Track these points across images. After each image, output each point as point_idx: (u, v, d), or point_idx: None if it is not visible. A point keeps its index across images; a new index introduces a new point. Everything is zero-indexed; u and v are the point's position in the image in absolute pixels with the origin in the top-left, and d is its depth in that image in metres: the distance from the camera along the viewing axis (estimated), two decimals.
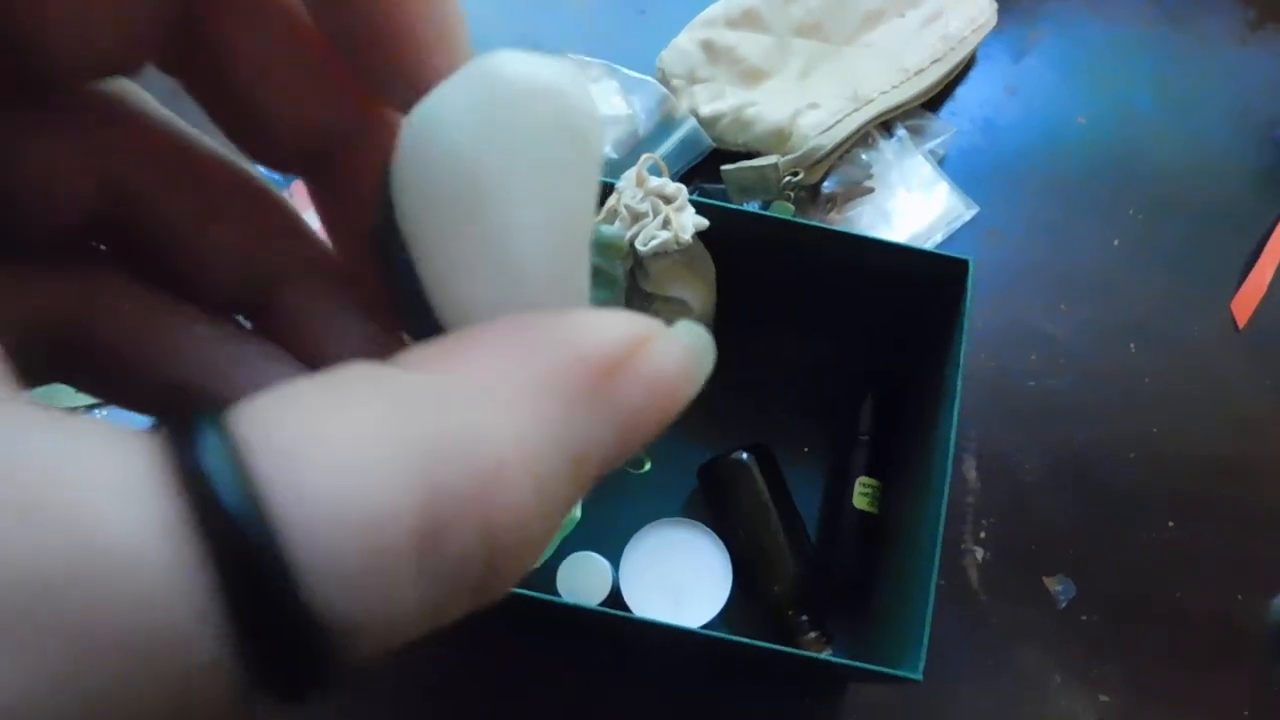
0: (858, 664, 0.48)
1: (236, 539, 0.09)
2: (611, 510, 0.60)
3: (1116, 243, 0.76)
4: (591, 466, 0.12)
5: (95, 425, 0.09)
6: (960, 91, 0.79)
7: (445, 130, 0.12)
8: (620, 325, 0.13)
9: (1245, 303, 0.74)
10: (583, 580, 0.58)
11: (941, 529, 0.49)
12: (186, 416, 0.10)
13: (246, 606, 0.09)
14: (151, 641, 0.09)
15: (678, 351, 0.13)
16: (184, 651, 0.09)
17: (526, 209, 0.12)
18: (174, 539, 0.09)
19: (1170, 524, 0.68)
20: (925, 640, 0.47)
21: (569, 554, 0.58)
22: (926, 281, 0.58)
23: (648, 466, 0.58)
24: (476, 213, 0.12)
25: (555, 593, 0.58)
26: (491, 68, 0.12)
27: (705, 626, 0.58)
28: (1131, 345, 0.73)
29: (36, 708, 0.08)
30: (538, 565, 0.57)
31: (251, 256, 0.16)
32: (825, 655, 0.55)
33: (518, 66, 0.12)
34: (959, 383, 0.53)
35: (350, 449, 0.10)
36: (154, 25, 0.13)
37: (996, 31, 0.79)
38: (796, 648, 0.58)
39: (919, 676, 0.46)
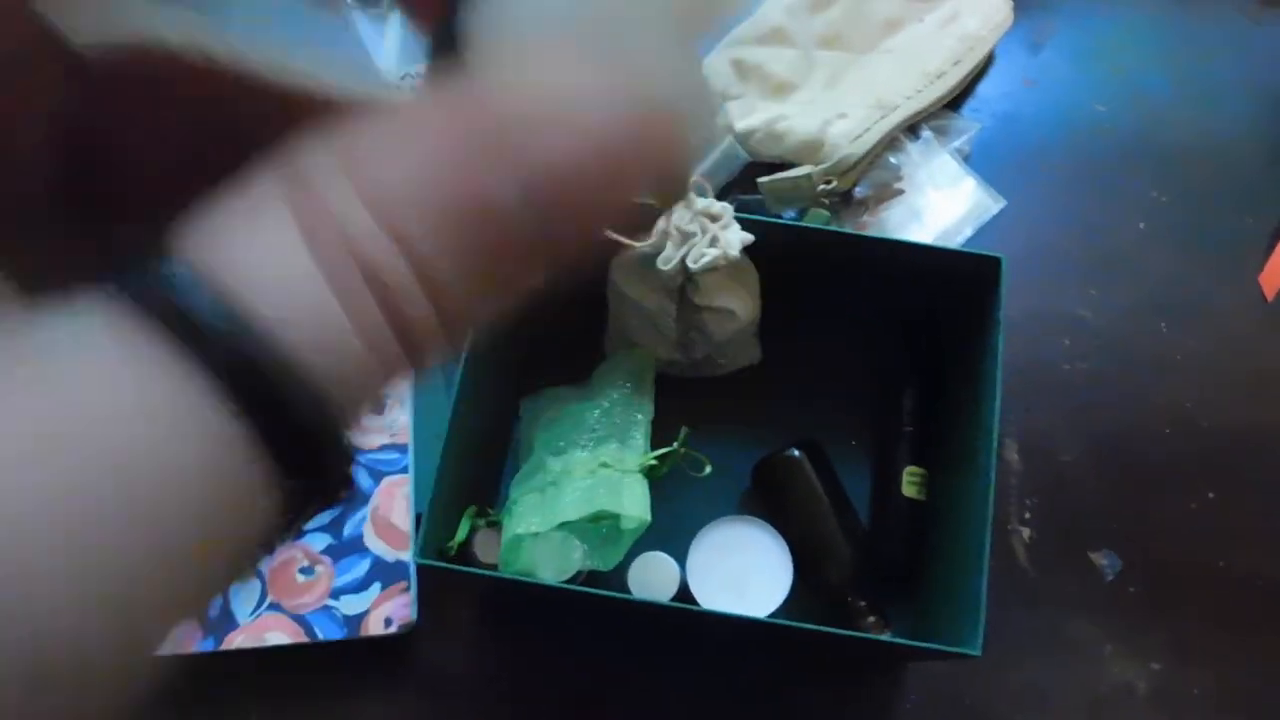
0: (918, 643, 0.52)
1: (231, 353, 0.11)
2: (675, 511, 0.63)
3: (1142, 225, 0.78)
4: (492, 222, 0.12)
5: (95, 306, 0.12)
6: (981, 88, 0.81)
7: None
8: (551, 77, 0.12)
9: (1273, 275, 0.76)
10: (653, 579, 0.61)
11: (991, 509, 0.52)
12: (153, 264, 0.11)
13: (249, 401, 0.11)
14: (172, 448, 0.11)
15: (639, 110, 0.12)
16: (203, 448, 0.11)
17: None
18: (176, 372, 0.11)
19: (1210, 494, 0.71)
20: (982, 616, 0.50)
21: (638, 555, 0.62)
22: (961, 278, 0.61)
23: (708, 469, 0.62)
24: None
25: (627, 593, 0.61)
26: None
27: (770, 617, 0.61)
28: (1162, 324, 0.75)
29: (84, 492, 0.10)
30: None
31: None
32: (886, 636, 0.58)
33: None
34: (999, 373, 0.56)
35: (274, 253, 0.12)
36: None
37: (1012, 27, 0.81)
38: (858, 631, 0.61)
39: (978, 651, 0.50)
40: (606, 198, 0.13)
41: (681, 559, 0.62)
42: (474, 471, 0.62)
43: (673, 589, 0.61)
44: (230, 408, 0.11)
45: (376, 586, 0.62)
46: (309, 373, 0.11)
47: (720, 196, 0.60)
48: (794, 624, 0.52)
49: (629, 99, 0.13)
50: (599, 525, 0.57)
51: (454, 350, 0.13)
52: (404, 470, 0.65)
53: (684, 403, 0.65)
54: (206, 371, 0.11)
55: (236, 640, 0.61)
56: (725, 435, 0.66)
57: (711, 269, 0.55)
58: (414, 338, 0.12)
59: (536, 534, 0.55)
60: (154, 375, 0.11)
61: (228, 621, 0.61)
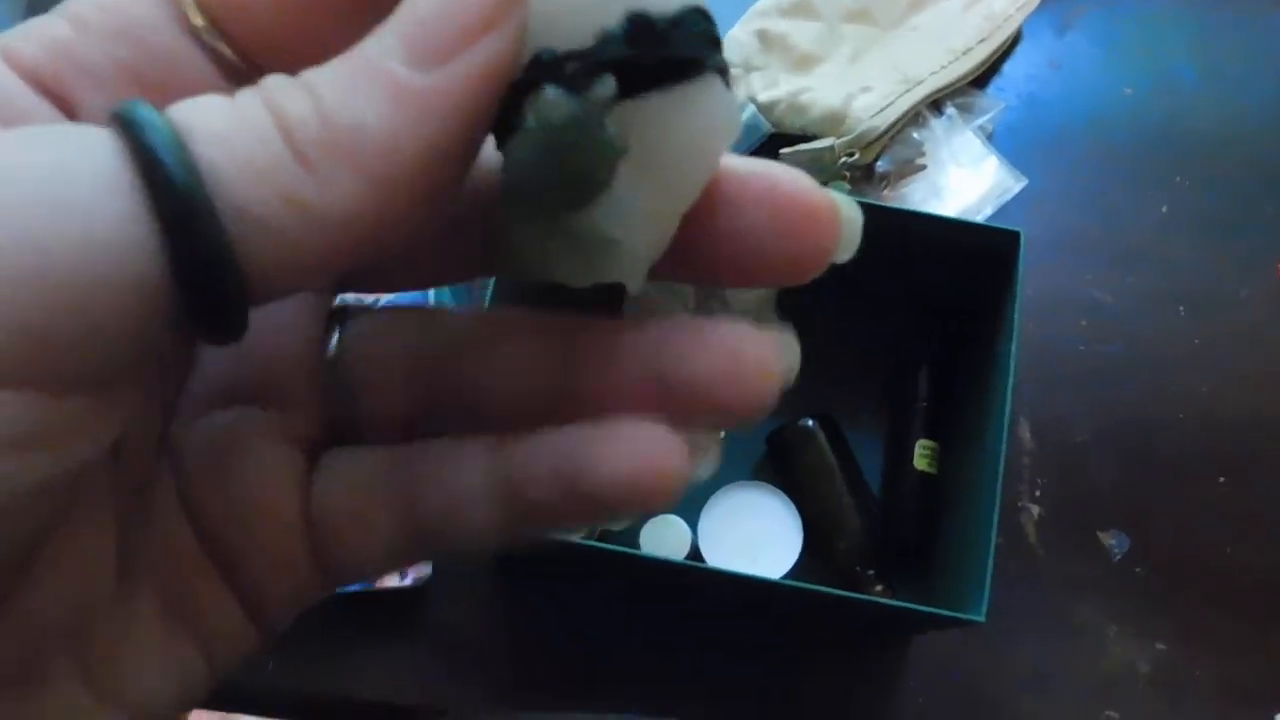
0: (925, 608, 0.52)
1: (175, 190, 0.12)
2: None
3: (1164, 210, 0.78)
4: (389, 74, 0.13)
5: (67, 127, 0.13)
6: (1006, 68, 0.81)
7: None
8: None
9: None
10: (664, 541, 0.62)
11: (1000, 484, 0.53)
12: (135, 114, 0.13)
13: (178, 227, 0.12)
14: (98, 261, 0.12)
15: None
16: (123, 264, 0.12)
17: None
18: (126, 194, 0.12)
19: (1221, 480, 0.71)
20: (988, 584, 0.50)
21: (650, 517, 0.63)
22: (979, 254, 0.61)
23: (722, 435, 0.62)
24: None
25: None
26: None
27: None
28: (1180, 309, 0.75)
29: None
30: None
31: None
32: (892, 601, 0.59)
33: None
34: (1014, 351, 0.56)
35: (235, 124, 0.13)
36: None
37: (1039, 7, 0.81)
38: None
39: (982, 617, 0.50)
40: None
41: (693, 523, 0.63)
42: None
43: (684, 552, 0.62)
44: (127, 163, 0.12)
45: None
46: (208, 163, 0.12)
47: None
48: (800, 584, 0.53)
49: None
50: None
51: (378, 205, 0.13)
52: None
53: None
54: (121, 146, 0.12)
55: None
56: None
57: None
58: (309, 158, 0.13)
59: None
60: (69, 136, 0.13)
61: None
